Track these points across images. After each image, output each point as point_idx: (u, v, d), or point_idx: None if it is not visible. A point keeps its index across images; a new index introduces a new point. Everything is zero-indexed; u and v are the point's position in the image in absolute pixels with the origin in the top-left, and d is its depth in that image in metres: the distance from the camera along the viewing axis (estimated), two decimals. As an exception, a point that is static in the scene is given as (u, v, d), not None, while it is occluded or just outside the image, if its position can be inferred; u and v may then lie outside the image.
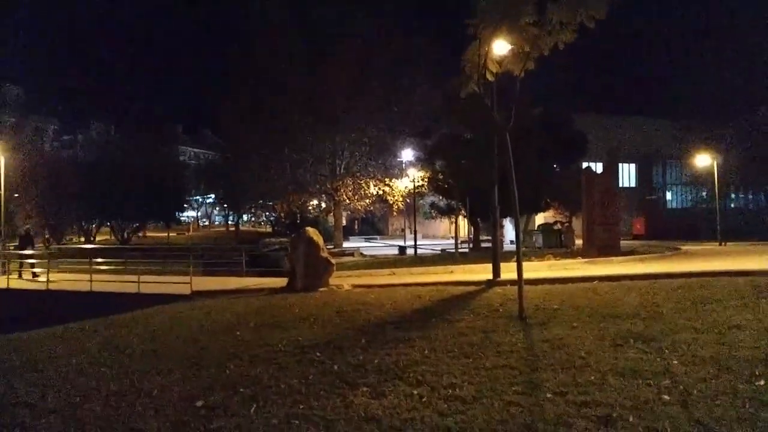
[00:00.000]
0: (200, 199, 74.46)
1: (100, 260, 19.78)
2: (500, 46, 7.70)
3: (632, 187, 49.71)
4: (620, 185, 27.74)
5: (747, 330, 6.25)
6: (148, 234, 56.64)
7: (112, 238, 46.74)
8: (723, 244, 29.01)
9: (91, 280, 16.46)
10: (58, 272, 19.10)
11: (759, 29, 36.33)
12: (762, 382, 4.51)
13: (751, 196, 44.43)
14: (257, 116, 32.86)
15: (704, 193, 41.39)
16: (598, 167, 26.62)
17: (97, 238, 45.75)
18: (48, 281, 17.23)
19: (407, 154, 34.46)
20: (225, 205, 67.75)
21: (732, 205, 44.24)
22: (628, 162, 49.70)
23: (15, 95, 40.42)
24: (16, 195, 34.07)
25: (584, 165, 29.52)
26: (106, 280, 16.77)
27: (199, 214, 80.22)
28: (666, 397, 4.31)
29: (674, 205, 52.47)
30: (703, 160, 32.62)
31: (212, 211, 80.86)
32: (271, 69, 31.71)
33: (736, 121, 37.20)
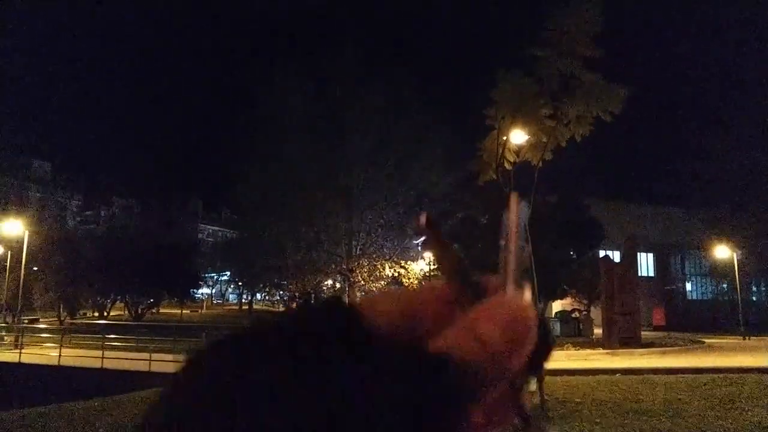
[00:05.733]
0: (215, 276, 74.78)
1: (112, 336, 19.70)
2: (517, 136, 7.91)
3: (651, 277, 49.07)
4: (639, 274, 27.41)
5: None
6: (162, 310, 56.60)
7: (126, 313, 46.73)
8: (747, 338, 28.15)
9: (102, 357, 16.32)
10: (70, 347, 19.00)
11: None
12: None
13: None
14: (272, 193, 33.36)
15: (725, 285, 40.65)
16: (615, 255, 26.43)
17: (111, 313, 45.74)
18: (60, 356, 17.11)
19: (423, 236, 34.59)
20: (239, 283, 67.97)
21: (754, 298, 43.30)
22: (647, 251, 49.35)
23: (43, 171, 41.73)
24: (35, 269, 34.50)
25: (601, 253, 29.34)
26: (117, 357, 16.61)
27: (214, 291, 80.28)
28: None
29: (694, 296, 51.46)
30: (723, 252, 32.28)
31: (226, 289, 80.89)
32: (288, 144, 32.29)
33: (756, 212, 37.04)
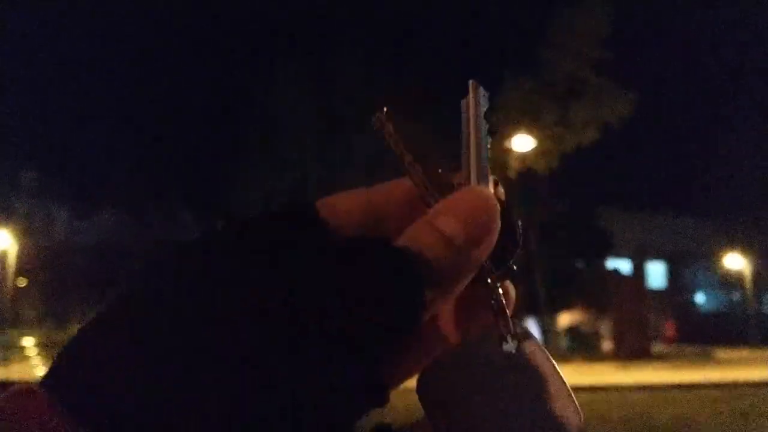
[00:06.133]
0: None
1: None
2: (522, 143, 7.68)
3: (662, 289, 48.55)
4: (649, 286, 27.02)
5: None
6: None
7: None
8: (761, 350, 27.63)
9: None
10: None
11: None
12: None
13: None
14: (268, 198, 33.16)
15: (737, 296, 40.14)
16: (625, 265, 26.08)
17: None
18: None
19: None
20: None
21: (767, 310, 42.70)
22: (657, 261, 48.87)
23: (30, 180, 41.69)
24: (22, 285, 34.48)
25: (611, 263, 28.99)
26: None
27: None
28: None
29: (707, 307, 50.88)
30: (736, 262, 31.84)
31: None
32: (286, 147, 32.05)
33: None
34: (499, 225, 0.31)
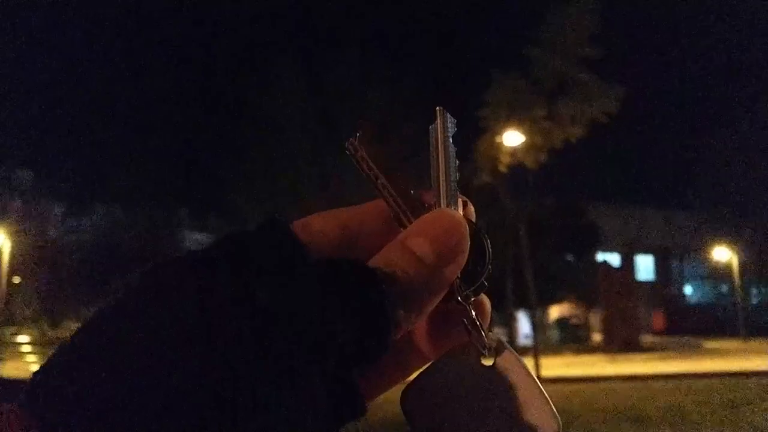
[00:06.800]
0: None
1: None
2: (512, 138, 7.75)
3: (650, 281, 48.91)
4: (638, 279, 27.28)
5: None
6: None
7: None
8: (748, 341, 27.97)
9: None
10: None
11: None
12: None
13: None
14: (263, 198, 32.94)
15: (725, 288, 40.55)
16: (614, 258, 26.29)
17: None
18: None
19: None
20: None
21: (754, 301, 43.15)
22: (646, 254, 49.22)
23: (24, 178, 41.38)
24: (16, 282, 34.23)
25: (600, 257, 29.19)
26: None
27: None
28: None
29: (694, 299, 51.35)
30: (723, 254, 32.19)
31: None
32: (281, 147, 31.87)
33: (758, 214, 36.92)
34: (469, 245, 0.33)
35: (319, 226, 0.34)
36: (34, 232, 38.84)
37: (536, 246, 17.16)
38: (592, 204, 36.95)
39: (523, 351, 13.77)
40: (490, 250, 0.35)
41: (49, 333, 34.26)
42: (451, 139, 0.35)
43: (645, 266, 49.61)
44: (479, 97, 7.93)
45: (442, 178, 0.35)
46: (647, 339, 27.36)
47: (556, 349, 20.86)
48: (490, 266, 0.35)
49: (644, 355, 18.89)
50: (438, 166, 0.35)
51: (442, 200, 0.34)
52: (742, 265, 32.39)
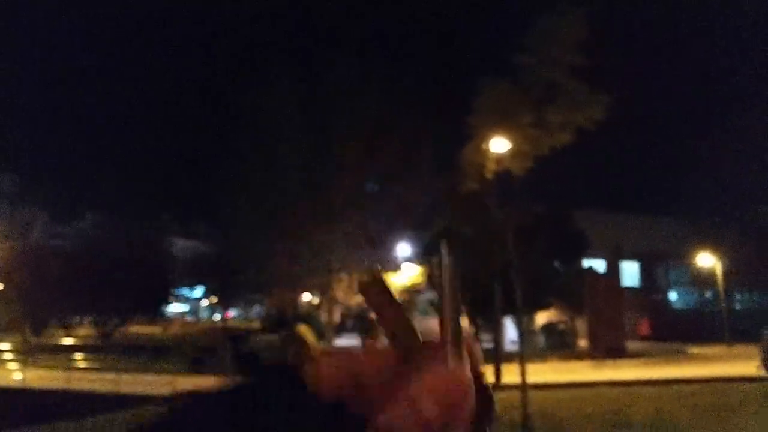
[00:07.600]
0: (188, 292, 73.36)
1: (79, 356, 19.25)
2: (499, 145, 7.78)
3: (636, 287, 49.16)
4: (624, 285, 27.44)
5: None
6: (133, 329, 55.18)
7: (94, 332, 45.44)
8: (732, 346, 28.20)
9: (69, 378, 15.82)
10: (36, 368, 18.45)
11: (758, 127, 37.11)
12: None
13: (756, 298, 43.83)
14: (252, 204, 32.63)
15: (709, 294, 40.87)
16: (600, 265, 26.43)
17: (80, 333, 44.64)
18: (24, 378, 16.58)
19: (404, 250, 34.30)
20: (214, 299, 66.41)
21: (738, 307, 43.52)
22: (631, 260, 49.48)
23: (9, 184, 40.75)
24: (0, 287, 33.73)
25: (586, 263, 29.33)
26: (84, 378, 16.14)
27: (187, 308, 78.83)
28: None
29: (679, 305, 51.69)
30: (707, 260, 32.47)
31: (198, 305, 79.49)
32: (271, 153, 31.60)
33: (741, 221, 37.29)
34: (473, 403, 0.35)
35: (327, 371, 0.37)
36: (18, 237, 38.23)
37: (523, 252, 17.23)
38: (580, 210, 37.12)
39: (510, 357, 13.80)
40: (496, 411, 0.37)
41: (32, 340, 33.73)
42: (458, 291, 0.37)
43: (630, 273, 49.88)
44: (467, 104, 7.95)
45: (450, 329, 0.36)
46: (633, 345, 27.52)
47: (542, 355, 20.93)
48: (495, 418, 0.37)
49: (630, 361, 19.00)
50: (446, 317, 0.36)
51: (450, 356, 0.35)
52: (726, 272, 32.69)
